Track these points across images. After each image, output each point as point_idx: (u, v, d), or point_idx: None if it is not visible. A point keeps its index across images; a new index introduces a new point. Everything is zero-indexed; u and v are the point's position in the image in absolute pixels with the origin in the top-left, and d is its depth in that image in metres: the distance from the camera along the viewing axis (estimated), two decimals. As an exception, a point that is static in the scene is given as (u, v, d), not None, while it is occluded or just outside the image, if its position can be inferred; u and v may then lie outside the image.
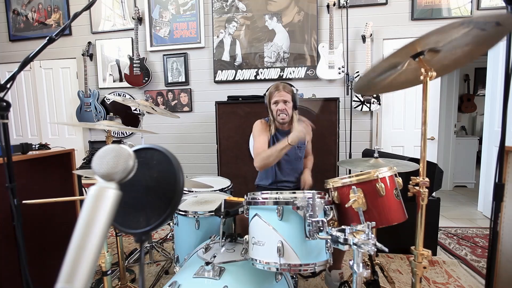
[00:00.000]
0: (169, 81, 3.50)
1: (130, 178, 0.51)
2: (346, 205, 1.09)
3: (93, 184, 0.49)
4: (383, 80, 1.30)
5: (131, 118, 3.53)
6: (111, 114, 3.49)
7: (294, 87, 1.84)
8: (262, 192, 1.05)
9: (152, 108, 2.06)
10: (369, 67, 3.04)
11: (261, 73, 3.31)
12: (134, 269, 2.09)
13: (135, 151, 0.58)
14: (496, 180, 1.08)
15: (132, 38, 3.46)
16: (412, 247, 1.15)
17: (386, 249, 0.79)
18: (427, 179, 1.09)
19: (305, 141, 1.92)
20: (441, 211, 2.35)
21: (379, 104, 3.13)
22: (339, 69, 3.11)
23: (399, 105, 3.21)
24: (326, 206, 1.06)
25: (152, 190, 0.60)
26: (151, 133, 1.52)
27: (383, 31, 3.12)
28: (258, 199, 1.03)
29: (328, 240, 0.92)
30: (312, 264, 0.96)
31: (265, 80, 3.30)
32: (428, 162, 1.74)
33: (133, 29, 3.40)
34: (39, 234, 1.63)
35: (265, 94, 1.88)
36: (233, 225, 1.53)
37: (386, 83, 1.33)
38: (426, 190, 1.09)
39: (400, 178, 1.21)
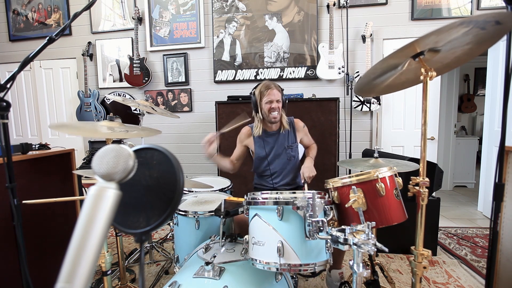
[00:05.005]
0: (169, 81, 3.50)
1: (130, 178, 0.51)
2: (346, 205, 1.09)
3: (93, 184, 0.49)
4: (383, 82, 1.30)
5: (131, 118, 3.52)
6: (111, 114, 3.49)
7: (280, 86, 1.83)
8: (262, 192, 1.05)
9: (152, 108, 2.06)
10: (369, 67, 3.05)
11: (261, 73, 3.31)
12: (134, 269, 2.09)
13: (135, 151, 0.58)
14: (496, 180, 1.08)
15: (132, 38, 3.46)
16: (412, 247, 1.15)
17: (386, 249, 0.79)
18: (427, 179, 1.09)
19: (295, 139, 1.89)
20: (441, 211, 2.35)
21: (379, 104, 3.13)
22: (339, 69, 3.11)
23: (399, 105, 3.21)
24: (326, 206, 1.06)
25: (152, 190, 0.60)
26: (153, 134, 1.51)
27: (383, 31, 3.12)
28: (258, 199, 1.03)
29: (328, 240, 0.92)
30: (312, 264, 0.96)
31: (265, 80, 3.30)
32: (428, 162, 1.74)
33: (133, 29, 3.40)
34: (39, 234, 1.63)
35: (253, 93, 1.81)
36: (232, 225, 1.53)
37: (386, 84, 1.33)
38: (426, 190, 1.09)
39: (400, 178, 1.21)
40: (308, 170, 1.71)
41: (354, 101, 3.14)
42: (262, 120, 1.84)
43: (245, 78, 3.34)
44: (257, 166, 1.92)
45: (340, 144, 2.88)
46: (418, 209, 1.11)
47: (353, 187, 1.11)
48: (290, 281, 1.17)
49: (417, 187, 1.10)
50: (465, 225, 2.92)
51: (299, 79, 3.25)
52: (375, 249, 0.79)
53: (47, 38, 0.98)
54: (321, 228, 0.91)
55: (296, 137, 1.90)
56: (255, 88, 1.84)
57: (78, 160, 2.55)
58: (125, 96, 3.53)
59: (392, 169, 1.19)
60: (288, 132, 1.87)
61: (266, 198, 1.01)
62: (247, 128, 1.93)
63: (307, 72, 3.23)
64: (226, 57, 3.36)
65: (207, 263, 1.00)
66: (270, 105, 1.75)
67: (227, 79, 3.37)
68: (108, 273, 1.28)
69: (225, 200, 1.27)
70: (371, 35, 3.07)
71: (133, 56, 3.43)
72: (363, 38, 3.10)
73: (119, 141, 3.41)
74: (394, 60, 1.11)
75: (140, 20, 3.43)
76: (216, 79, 3.39)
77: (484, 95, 3.39)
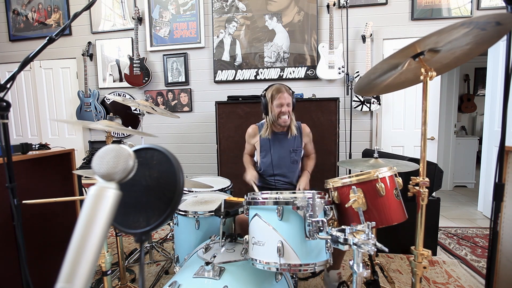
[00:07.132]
0: (169, 81, 3.50)
1: (130, 178, 0.51)
2: (346, 205, 1.09)
3: (93, 184, 0.49)
4: (383, 81, 1.30)
5: (131, 118, 3.53)
6: (111, 114, 3.49)
7: (291, 89, 1.85)
8: (262, 192, 1.05)
9: (152, 108, 2.06)
10: (369, 67, 3.05)
11: (261, 73, 3.31)
12: (134, 269, 2.09)
13: (135, 151, 0.58)
14: (496, 180, 1.08)
15: (132, 38, 3.45)
16: (412, 247, 1.15)
17: (386, 249, 0.79)
18: (427, 179, 1.09)
19: (301, 144, 1.91)
20: (441, 211, 2.35)
21: (379, 104, 3.13)
22: (339, 69, 3.11)
23: (399, 105, 3.21)
24: (326, 206, 1.06)
25: (152, 190, 0.60)
26: (150, 135, 1.53)
27: (383, 31, 3.12)
28: (258, 199, 1.03)
29: (328, 240, 0.92)
30: (312, 264, 0.96)
31: (265, 80, 3.30)
32: (428, 162, 1.74)
33: (133, 29, 3.40)
34: (39, 234, 1.63)
35: (263, 95, 1.84)
36: (233, 225, 1.53)
37: (386, 83, 1.33)
38: (426, 190, 1.09)
39: (400, 178, 1.21)
40: (304, 184, 1.84)
41: (354, 101, 3.14)
42: (271, 122, 1.84)
43: (245, 78, 3.34)
44: (261, 166, 1.93)
45: (340, 144, 2.88)
46: (418, 209, 1.11)
47: (353, 187, 1.11)
48: (290, 281, 1.17)
49: (417, 187, 1.10)
50: (465, 225, 2.92)
51: (299, 79, 3.25)
52: (375, 249, 0.79)
53: (47, 38, 0.98)
54: (321, 228, 0.91)
55: (302, 142, 1.91)
56: (265, 90, 1.85)
57: (78, 160, 2.55)
58: (125, 96, 3.53)
59: (392, 169, 1.19)
60: (295, 137, 1.88)
61: (266, 198, 1.02)
62: (253, 127, 1.95)
63: (307, 72, 3.23)
64: (226, 57, 3.36)
65: (207, 263, 1.00)
66: (280, 108, 1.76)
67: (227, 79, 3.37)
68: (108, 273, 1.28)
69: (225, 200, 1.27)
70: (371, 35, 3.07)
71: (133, 56, 3.43)
72: (363, 38, 3.10)
73: (119, 141, 3.42)
74: (394, 60, 1.11)
75: (140, 20, 3.43)
76: (216, 79, 3.39)
77: (484, 95, 3.39)
